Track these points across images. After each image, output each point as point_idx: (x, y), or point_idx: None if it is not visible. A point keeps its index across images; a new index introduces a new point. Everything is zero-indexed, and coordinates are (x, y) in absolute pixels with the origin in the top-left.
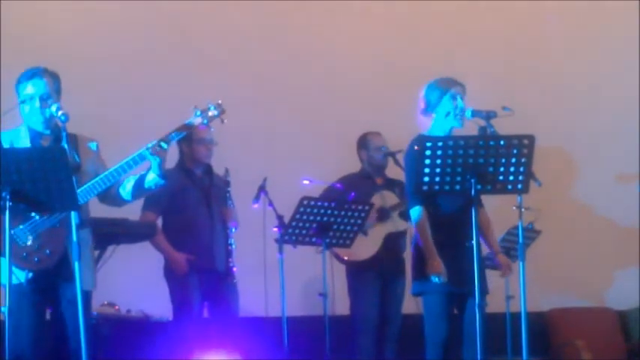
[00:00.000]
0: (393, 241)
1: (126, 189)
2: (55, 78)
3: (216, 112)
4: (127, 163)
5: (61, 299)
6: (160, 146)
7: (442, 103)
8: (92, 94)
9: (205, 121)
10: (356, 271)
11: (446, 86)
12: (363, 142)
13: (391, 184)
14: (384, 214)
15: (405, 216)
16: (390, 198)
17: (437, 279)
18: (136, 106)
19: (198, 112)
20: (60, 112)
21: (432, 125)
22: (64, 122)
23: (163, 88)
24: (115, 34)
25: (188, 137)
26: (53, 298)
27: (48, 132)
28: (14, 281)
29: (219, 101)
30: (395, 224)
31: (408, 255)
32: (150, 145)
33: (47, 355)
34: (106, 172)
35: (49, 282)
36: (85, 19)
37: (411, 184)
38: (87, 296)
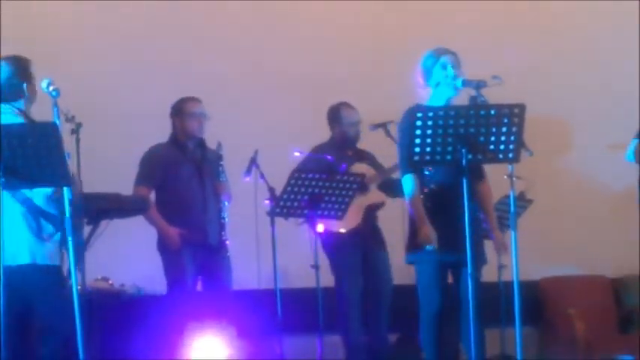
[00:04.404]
0: (370, 213)
1: None
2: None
3: None
4: None
5: None
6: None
7: (434, 72)
8: (80, 72)
9: None
10: (335, 245)
11: (436, 55)
12: (335, 115)
13: (361, 156)
14: (363, 186)
15: (383, 188)
16: (361, 169)
17: (429, 246)
18: (123, 82)
19: None
20: (51, 88)
21: (430, 96)
22: (55, 98)
23: (151, 63)
24: (102, 12)
25: (180, 111)
26: None
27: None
28: None
29: None
30: (373, 196)
31: (388, 226)
32: None
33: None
34: None
35: None
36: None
37: (403, 154)
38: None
